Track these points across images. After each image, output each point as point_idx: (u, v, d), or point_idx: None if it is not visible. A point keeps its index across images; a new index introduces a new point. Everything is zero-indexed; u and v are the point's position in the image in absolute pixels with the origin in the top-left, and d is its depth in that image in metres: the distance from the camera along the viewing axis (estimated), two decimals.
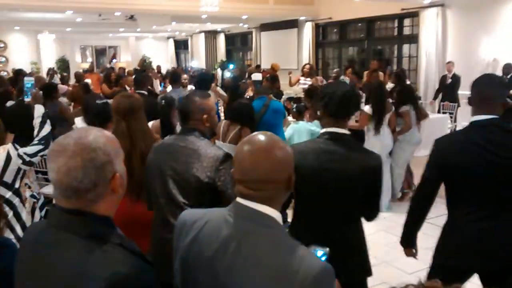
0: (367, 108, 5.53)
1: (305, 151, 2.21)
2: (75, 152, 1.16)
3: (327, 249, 1.48)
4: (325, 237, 2.11)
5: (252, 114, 4.52)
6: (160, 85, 11.46)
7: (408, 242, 2.55)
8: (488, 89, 2.32)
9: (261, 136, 1.35)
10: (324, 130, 2.25)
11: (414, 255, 2.58)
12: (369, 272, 2.31)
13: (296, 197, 2.25)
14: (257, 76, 8.64)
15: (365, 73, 9.51)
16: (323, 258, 1.45)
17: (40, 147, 2.94)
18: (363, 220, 2.33)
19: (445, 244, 2.43)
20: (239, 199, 1.33)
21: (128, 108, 2.71)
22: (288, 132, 5.42)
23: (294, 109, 5.83)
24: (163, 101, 4.13)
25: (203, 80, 5.77)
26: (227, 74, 11.68)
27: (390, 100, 5.94)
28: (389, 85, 7.66)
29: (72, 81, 12.23)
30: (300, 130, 5.34)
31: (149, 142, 2.70)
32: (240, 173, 1.33)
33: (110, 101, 4.37)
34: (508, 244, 2.27)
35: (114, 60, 20.02)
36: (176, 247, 1.40)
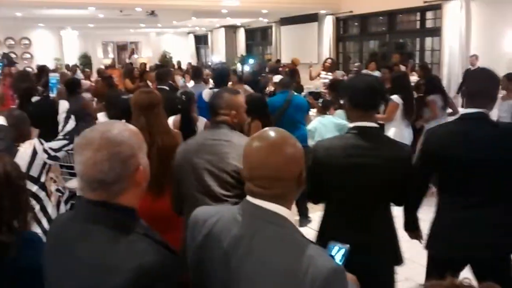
0: (395, 97, 5.45)
1: (332, 147, 2.22)
2: (101, 145, 1.19)
3: (347, 246, 1.45)
4: (357, 231, 2.15)
5: (262, 106, 4.42)
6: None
7: (410, 227, 2.59)
8: (482, 84, 2.38)
9: (271, 132, 1.32)
10: (352, 124, 2.24)
11: (419, 236, 2.60)
12: (399, 260, 2.31)
13: (326, 194, 2.26)
14: (277, 79, 8.55)
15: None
16: (341, 255, 1.42)
17: (65, 142, 3.00)
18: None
19: (431, 235, 2.49)
20: (249, 198, 1.31)
21: (148, 104, 2.75)
22: (313, 124, 5.36)
23: (320, 104, 5.82)
24: (183, 96, 4.16)
25: (220, 76, 5.79)
26: (246, 69, 11.67)
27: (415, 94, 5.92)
28: (412, 78, 7.57)
29: (94, 76, 12.40)
30: (326, 124, 5.29)
31: (167, 138, 2.75)
32: (248, 170, 1.30)
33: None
34: (490, 233, 2.29)
35: (135, 56, 20.16)
36: (189, 245, 1.39)
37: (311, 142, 4.88)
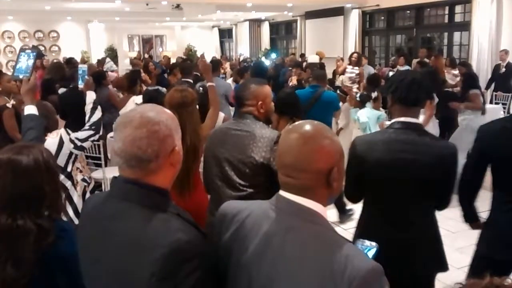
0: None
1: (373, 142, 2.19)
2: (141, 123, 1.24)
3: (375, 244, 1.41)
4: (397, 229, 2.12)
5: (293, 103, 4.33)
6: None
7: (470, 218, 2.56)
8: None
9: (307, 123, 1.29)
10: (394, 120, 2.20)
11: (480, 226, 2.55)
12: (443, 267, 2.24)
13: (366, 188, 2.23)
14: (314, 58, 8.37)
15: (413, 61, 9.25)
16: (372, 254, 1.38)
17: (91, 132, 3.03)
18: None
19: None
20: (281, 192, 1.27)
21: (180, 102, 2.84)
22: (362, 116, 5.36)
23: (358, 98, 5.82)
24: (201, 88, 4.16)
25: (260, 69, 5.72)
26: (268, 63, 11.66)
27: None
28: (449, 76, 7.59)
29: (120, 68, 12.54)
30: (370, 117, 5.33)
31: (194, 137, 2.82)
32: (278, 158, 1.29)
33: (162, 89, 4.49)
34: None
35: (160, 49, 20.31)
36: (217, 241, 1.34)
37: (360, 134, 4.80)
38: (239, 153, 2.28)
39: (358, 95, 6.04)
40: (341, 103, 6.96)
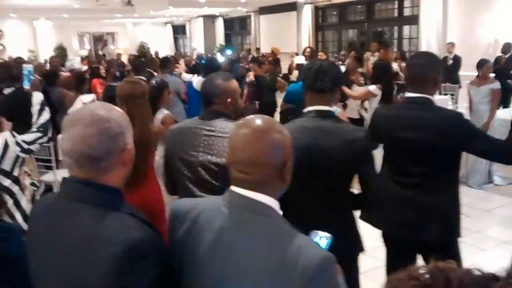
0: (373, 88, 5.43)
1: (291, 130, 2.17)
2: (91, 121, 1.20)
3: (329, 235, 1.42)
4: (316, 218, 2.06)
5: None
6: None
7: None
8: (421, 68, 2.41)
9: (256, 118, 1.29)
10: (307, 109, 2.21)
11: None
12: (361, 249, 2.29)
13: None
14: (300, 59, 8.46)
15: (366, 55, 9.45)
16: (325, 244, 1.39)
17: (39, 134, 2.91)
18: None
19: (370, 210, 2.52)
20: (233, 187, 1.27)
21: (130, 94, 2.73)
22: None
23: None
24: (155, 82, 4.05)
25: (213, 66, 5.64)
26: (222, 59, 11.61)
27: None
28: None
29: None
30: None
31: (144, 132, 2.71)
32: (231, 154, 1.27)
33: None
34: (418, 214, 2.36)
35: (111, 47, 19.84)
36: (169, 239, 1.33)
37: None
38: (217, 157, 2.14)
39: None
40: None
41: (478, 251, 4.00)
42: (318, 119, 2.16)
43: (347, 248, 2.19)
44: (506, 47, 8.51)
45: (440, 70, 2.48)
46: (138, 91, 2.79)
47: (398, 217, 2.42)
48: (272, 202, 1.25)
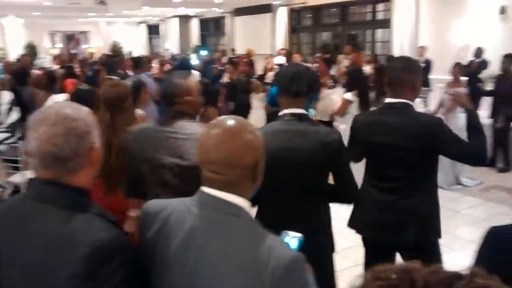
0: (348, 95, 5.43)
1: (265, 133, 2.18)
2: (57, 120, 1.18)
3: (300, 235, 1.43)
4: (289, 218, 2.11)
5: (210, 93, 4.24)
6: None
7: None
8: (398, 72, 2.44)
9: (228, 119, 1.30)
10: (281, 112, 2.23)
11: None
12: (333, 249, 2.32)
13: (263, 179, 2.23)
14: (280, 60, 8.50)
15: (339, 57, 9.55)
16: (296, 245, 1.40)
17: (7, 134, 2.85)
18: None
19: (352, 214, 2.61)
20: (203, 188, 1.27)
21: (114, 98, 2.65)
22: None
23: None
24: (132, 82, 4.01)
25: (185, 66, 5.60)
26: (196, 61, 11.57)
27: None
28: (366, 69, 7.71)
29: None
30: None
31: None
32: (203, 154, 1.27)
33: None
34: (398, 218, 2.41)
35: (84, 46, 19.51)
36: (140, 239, 1.32)
37: None
38: (180, 159, 2.13)
39: None
40: None
41: (450, 251, 4.08)
42: (293, 122, 2.17)
43: (322, 248, 2.23)
44: (478, 52, 8.71)
45: (419, 75, 2.49)
46: (123, 94, 2.70)
47: (379, 222, 2.46)
48: (243, 203, 1.26)
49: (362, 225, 2.53)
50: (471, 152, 2.38)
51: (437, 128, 2.35)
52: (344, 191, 2.24)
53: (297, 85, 2.19)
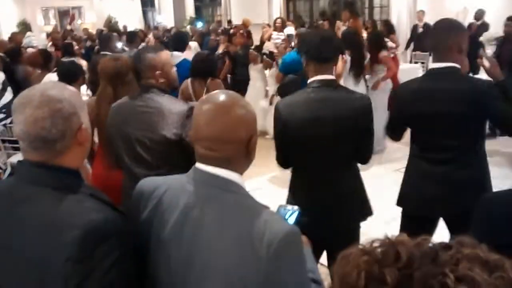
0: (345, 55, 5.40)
1: (293, 104, 2.24)
2: (42, 102, 1.17)
3: (297, 207, 1.44)
4: (324, 185, 2.23)
5: (208, 65, 4.13)
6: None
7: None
8: (443, 35, 2.30)
9: (220, 94, 1.28)
10: (311, 79, 2.24)
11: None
12: (370, 212, 2.37)
13: (293, 151, 2.27)
14: (290, 30, 8.40)
15: (337, 24, 9.40)
16: (293, 218, 1.41)
17: (2, 115, 2.82)
18: None
19: (401, 191, 2.52)
20: (198, 164, 1.27)
21: (115, 73, 2.63)
22: None
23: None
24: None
25: (181, 39, 5.45)
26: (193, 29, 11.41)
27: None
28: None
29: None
30: None
31: None
32: (196, 131, 1.26)
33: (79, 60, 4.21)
34: (452, 189, 2.31)
35: (78, 22, 19.21)
36: (135, 219, 1.32)
37: None
38: (149, 132, 2.16)
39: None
40: (268, 70, 7.00)
41: None
42: (325, 89, 2.20)
43: (358, 213, 2.33)
44: (479, 14, 8.56)
45: (464, 36, 2.32)
46: (124, 68, 2.66)
47: (435, 195, 2.34)
48: (237, 178, 1.25)
49: (417, 203, 2.41)
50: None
51: (488, 92, 2.23)
52: (362, 154, 2.29)
53: (326, 51, 2.21)
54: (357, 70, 5.45)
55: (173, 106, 2.17)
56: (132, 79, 2.69)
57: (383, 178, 4.84)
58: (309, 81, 2.25)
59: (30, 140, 1.18)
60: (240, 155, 1.26)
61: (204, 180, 1.24)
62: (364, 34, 7.52)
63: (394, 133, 2.55)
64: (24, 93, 1.23)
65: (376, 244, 0.67)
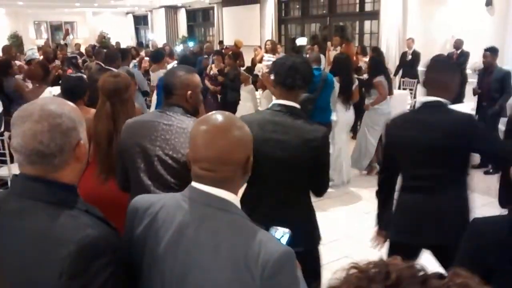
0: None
1: (250, 121, 2.21)
2: (41, 116, 1.17)
3: (289, 230, 1.45)
4: (274, 208, 2.18)
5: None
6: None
7: (378, 221, 2.63)
8: (439, 74, 2.42)
9: (217, 115, 1.29)
10: (273, 102, 2.26)
11: (383, 237, 2.59)
12: (319, 238, 2.33)
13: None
14: (302, 41, 8.43)
15: (328, 46, 9.57)
16: (285, 239, 1.42)
17: None
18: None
19: (390, 219, 2.53)
20: (193, 183, 1.27)
21: (113, 89, 2.59)
22: None
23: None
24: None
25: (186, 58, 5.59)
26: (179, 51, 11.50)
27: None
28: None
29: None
30: None
31: None
32: (194, 152, 1.27)
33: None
34: (434, 219, 2.33)
35: (70, 37, 19.23)
36: (129, 235, 1.31)
37: None
38: (173, 152, 2.12)
39: None
40: (260, 90, 7.08)
41: None
42: (282, 114, 2.19)
43: (310, 237, 2.27)
44: (458, 43, 8.79)
45: (455, 76, 2.48)
46: (123, 85, 2.64)
47: (412, 223, 2.39)
48: (233, 198, 1.26)
49: (398, 229, 2.46)
50: (503, 154, 2.34)
51: (471, 124, 2.34)
52: (317, 186, 2.28)
53: (293, 78, 2.21)
54: (346, 95, 5.54)
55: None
56: (129, 96, 2.69)
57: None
58: (272, 103, 2.28)
59: (27, 154, 1.17)
60: (237, 176, 1.27)
61: (200, 199, 1.25)
62: (365, 59, 7.69)
63: (387, 174, 2.56)
64: (24, 107, 1.23)
65: (371, 265, 0.69)
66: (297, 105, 2.24)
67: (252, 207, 2.14)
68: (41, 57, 9.61)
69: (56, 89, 5.20)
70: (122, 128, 2.40)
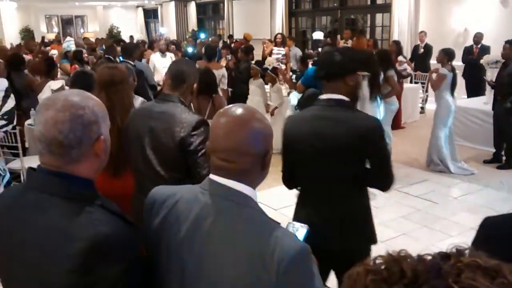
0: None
1: (297, 119, 2.24)
2: (65, 106, 1.16)
3: (306, 225, 1.44)
4: (323, 204, 2.18)
5: (211, 82, 4.14)
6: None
7: None
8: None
9: (238, 107, 1.29)
10: (321, 96, 2.21)
11: None
12: (372, 240, 2.24)
13: (293, 165, 2.24)
14: (318, 35, 8.40)
15: (339, 40, 9.50)
16: (303, 235, 1.41)
17: (3, 122, 2.82)
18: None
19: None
20: (212, 176, 1.27)
21: (109, 80, 2.64)
22: (294, 99, 5.61)
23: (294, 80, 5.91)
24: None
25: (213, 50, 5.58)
26: (189, 50, 11.46)
27: None
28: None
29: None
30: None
31: (126, 118, 2.64)
32: (213, 142, 1.27)
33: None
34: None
35: (81, 31, 19.32)
36: (145, 227, 1.32)
37: None
38: (160, 139, 2.20)
39: (293, 76, 6.07)
40: (269, 84, 7.04)
41: (447, 237, 4.10)
42: (330, 108, 2.15)
43: (359, 236, 2.22)
44: (479, 37, 8.58)
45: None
46: (118, 77, 2.69)
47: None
48: (250, 192, 1.26)
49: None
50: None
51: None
52: (378, 178, 2.18)
53: (331, 69, 2.17)
54: (372, 89, 5.45)
55: (184, 115, 2.20)
56: (125, 88, 2.73)
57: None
58: (320, 97, 2.22)
59: (47, 143, 1.17)
60: (256, 169, 1.26)
61: (218, 192, 1.24)
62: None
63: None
64: (50, 96, 1.24)
65: (379, 261, 0.67)
66: (344, 98, 2.15)
67: (305, 210, 2.20)
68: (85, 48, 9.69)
69: (56, 84, 5.21)
70: (117, 119, 2.47)
